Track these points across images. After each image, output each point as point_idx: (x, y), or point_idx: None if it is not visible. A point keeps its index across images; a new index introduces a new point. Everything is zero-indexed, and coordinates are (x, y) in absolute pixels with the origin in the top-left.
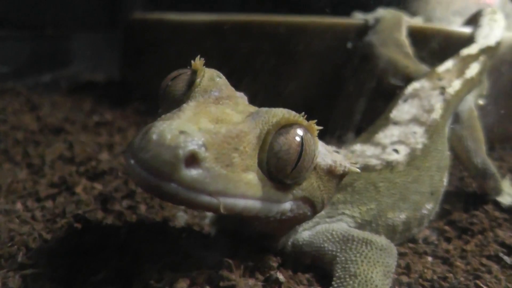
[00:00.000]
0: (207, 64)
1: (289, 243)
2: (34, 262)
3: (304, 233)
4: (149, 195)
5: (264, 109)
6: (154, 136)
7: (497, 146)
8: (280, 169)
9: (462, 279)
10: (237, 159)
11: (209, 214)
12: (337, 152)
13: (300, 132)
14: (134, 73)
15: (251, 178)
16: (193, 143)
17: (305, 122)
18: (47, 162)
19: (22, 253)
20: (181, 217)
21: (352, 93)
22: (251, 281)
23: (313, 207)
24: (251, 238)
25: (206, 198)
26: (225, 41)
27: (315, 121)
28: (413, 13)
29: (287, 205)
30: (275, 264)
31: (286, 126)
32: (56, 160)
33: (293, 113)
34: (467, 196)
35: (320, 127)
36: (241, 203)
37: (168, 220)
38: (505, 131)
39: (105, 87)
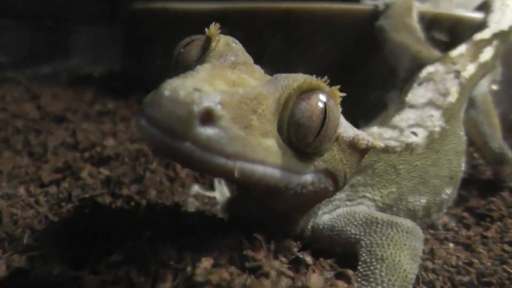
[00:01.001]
0: None
1: (309, 227)
2: (42, 243)
3: (324, 217)
4: (158, 181)
5: (284, 75)
6: (167, 92)
7: (508, 134)
8: (301, 137)
9: (488, 264)
10: (255, 122)
11: (220, 200)
12: None
13: (323, 98)
14: (137, 63)
15: (271, 144)
16: (209, 100)
17: (327, 88)
18: (50, 149)
19: (27, 235)
20: (192, 203)
21: (388, 61)
22: (276, 263)
23: (335, 182)
24: (265, 223)
25: (221, 160)
26: (230, 30)
27: (338, 87)
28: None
29: (308, 177)
30: (296, 249)
31: (308, 91)
32: (59, 147)
33: (315, 78)
34: (483, 183)
35: (343, 94)
36: (259, 169)
37: (178, 205)
38: None
39: (106, 78)
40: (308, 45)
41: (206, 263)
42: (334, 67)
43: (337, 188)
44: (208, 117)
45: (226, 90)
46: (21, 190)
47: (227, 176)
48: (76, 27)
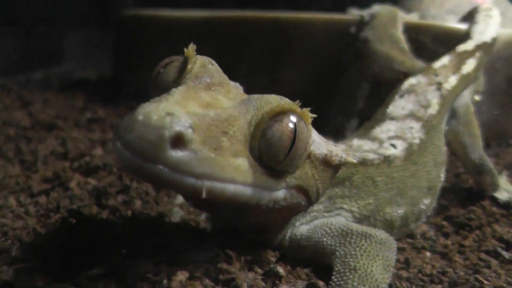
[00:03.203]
0: None
1: (287, 237)
2: (28, 256)
3: (302, 228)
4: (144, 191)
5: (256, 96)
6: (140, 117)
7: (493, 143)
8: (272, 156)
9: (461, 273)
10: (226, 143)
11: None
12: (335, 146)
13: (293, 119)
14: (127, 70)
15: (241, 163)
16: (180, 124)
17: (299, 110)
18: (40, 157)
19: (16, 248)
20: (177, 212)
21: (350, 89)
22: (250, 275)
23: (307, 197)
24: (247, 233)
25: (191, 181)
26: (218, 37)
27: (309, 108)
28: (407, 12)
29: (280, 194)
30: (273, 259)
31: (279, 114)
32: (49, 155)
33: (287, 100)
34: (464, 192)
35: (314, 115)
36: (230, 188)
37: (163, 215)
38: (500, 127)
39: (97, 84)
40: (295, 53)
41: (181, 276)
42: (320, 75)
43: (310, 202)
44: (178, 141)
45: (197, 113)
46: (12, 200)
47: (197, 195)
48: (68, 32)
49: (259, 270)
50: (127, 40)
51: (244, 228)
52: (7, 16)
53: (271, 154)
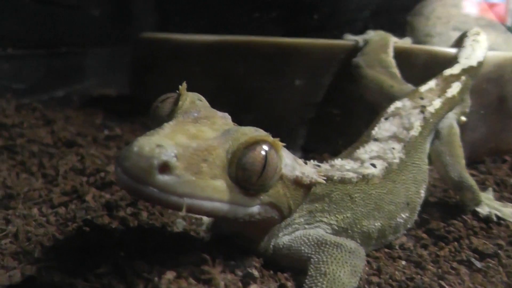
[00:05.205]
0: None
1: (271, 246)
2: (48, 257)
3: (284, 238)
4: (151, 204)
5: (235, 128)
6: (135, 148)
7: (488, 159)
8: (246, 179)
9: (427, 279)
10: (205, 168)
11: (206, 221)
12: (318, 166)
13: (265, 147)
14: (142, 89)
15: (219, 185)
16: (166, 154)
17: (270, 139)
18: (61, 172)
19: (38, 250)
20: (180, 223)
21: (345, 112)
22: (230, 276)
23: (280, 212)
24: (238, 242)
25: (174, 199)
26: (226, 60)
27: (279, 138)
28: (413, 30)
29: (255, 209)
30: (257, 264)
31: (253, 143)
32: (68, 171)
33: (261, 131)
34: (448, 207)
35: (284, 144)
36: (208, 205)
37: (167, 225)
38: (494, 145)
39: (115, 101)
40: (296, 77)
41: (170, 275)
42: (317, 98)
43: (283, 216)
44: (165, 168)
45: (182, 144)
46: (35, 211)
47: (179, 210)
48: (89, 50)
49: (240, 273)
50: (143, 61)
51: (235, 238)
52: (30, 40)
53: (246, 177)
